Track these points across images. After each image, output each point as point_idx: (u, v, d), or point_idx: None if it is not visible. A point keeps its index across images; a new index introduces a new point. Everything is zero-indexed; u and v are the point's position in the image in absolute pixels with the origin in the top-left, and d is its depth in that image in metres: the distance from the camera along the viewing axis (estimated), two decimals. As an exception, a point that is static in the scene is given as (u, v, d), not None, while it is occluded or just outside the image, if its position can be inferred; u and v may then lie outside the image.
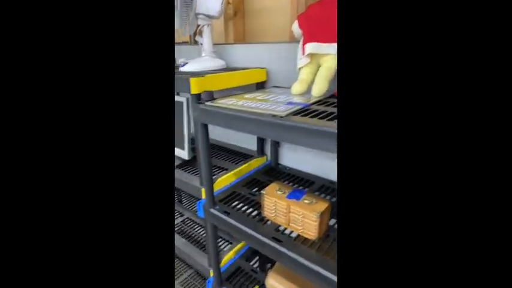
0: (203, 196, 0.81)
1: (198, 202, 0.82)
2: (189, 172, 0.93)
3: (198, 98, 0.72)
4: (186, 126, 0.91)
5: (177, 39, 1.43)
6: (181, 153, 0.95)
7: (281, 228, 0.68)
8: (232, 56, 1.04)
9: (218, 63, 0.96)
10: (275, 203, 0.68)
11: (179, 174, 0.92)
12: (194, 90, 0.70)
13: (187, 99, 0.90)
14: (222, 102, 0.68)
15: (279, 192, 0.69)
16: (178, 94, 1.24)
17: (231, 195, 0.83)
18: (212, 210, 0.77)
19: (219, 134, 1.20)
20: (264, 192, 0.70)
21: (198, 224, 1.20)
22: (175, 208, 1.32)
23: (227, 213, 0.74)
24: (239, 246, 1.00)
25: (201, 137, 0.70)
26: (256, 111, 0.57)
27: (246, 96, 0.74)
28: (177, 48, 1.26)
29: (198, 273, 1.33)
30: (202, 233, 1.13)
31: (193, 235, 1.11)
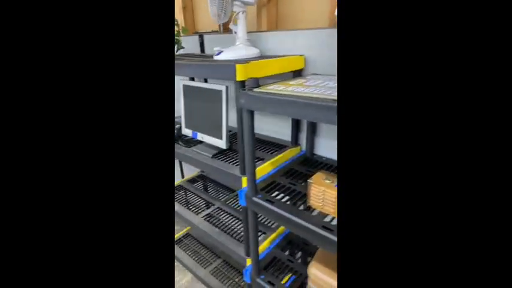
0: (244, 185, 0.81)
1: (239, 191, 0.81)
2: (224, 161, 0.92)
3: (242, 85, 0.71)
4: (224, 115, 0.90)
5: (206, 28, 1.42)
6: (219, 142, 0.95)
7: (328, 218, 0.67)
8: (266, 44, 1.02)
9: (253, 51, 0.94)
10: (323, 192, 0.67)
11: (216, 163, 0.92)
12: (240, 77, 0.69)
13: (227, 88, 0.89)
14: (270, 88, 0.66)
15: (327, 181, 0.68)
16: (206, 81, 1.22)
17: (271, 185, 0.83)
18: (255, 198, 0.76)
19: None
20: (311, 181, 0.69)
21: (227, 213, 1.20)
22: (203, 197, 1.33)
23: (271, 202, 0.73)
24: (273, 236, 1.00)
25: (247, 124, 0.69)
26: (313, 96, 0.55)
27: (291, 82, 0.73)
28: (207, 37, 1.25)
29: (226, 262, 1.34)
30: (231, 223, 1.13)
31: (219, 225, 1.11)
